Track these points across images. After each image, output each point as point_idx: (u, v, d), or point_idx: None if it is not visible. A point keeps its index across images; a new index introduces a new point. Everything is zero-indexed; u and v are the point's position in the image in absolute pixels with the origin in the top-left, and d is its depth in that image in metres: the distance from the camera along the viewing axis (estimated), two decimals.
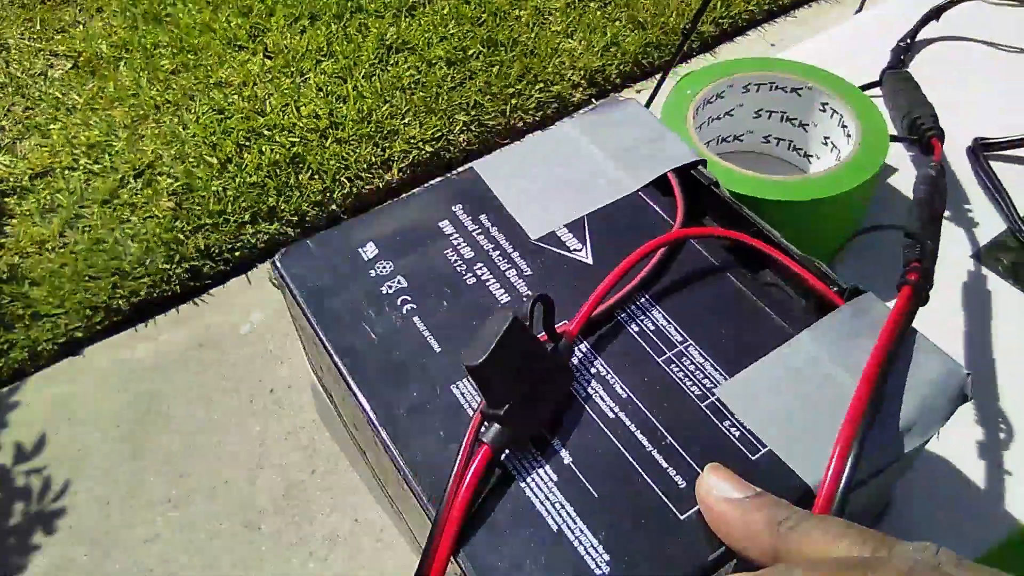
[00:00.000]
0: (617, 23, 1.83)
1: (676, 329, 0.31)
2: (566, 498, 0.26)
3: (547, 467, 0.27)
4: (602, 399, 0.29)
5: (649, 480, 0.27)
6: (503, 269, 0.33)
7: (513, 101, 1.68)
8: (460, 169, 0.37)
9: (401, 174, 1.60)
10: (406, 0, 1.92)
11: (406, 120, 1.66)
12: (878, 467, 0.27)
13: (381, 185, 1.58)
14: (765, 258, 0.32)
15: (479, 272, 0.33)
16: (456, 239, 0.34)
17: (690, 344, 0.30)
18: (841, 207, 0.40)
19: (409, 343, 0.31)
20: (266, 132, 1.62)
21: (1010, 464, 0.36)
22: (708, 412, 0.28)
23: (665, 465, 0.27)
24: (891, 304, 0.31)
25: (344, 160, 1.59)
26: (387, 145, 1.62)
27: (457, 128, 1.65)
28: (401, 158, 1.61)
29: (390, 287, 0.32)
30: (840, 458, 0.26)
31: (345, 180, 1.56)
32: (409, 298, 0.32)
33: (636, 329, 0.31)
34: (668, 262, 0.33)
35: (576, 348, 0.30)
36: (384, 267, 0.33)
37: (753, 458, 0.27)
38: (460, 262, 0.33)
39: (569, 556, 0.25)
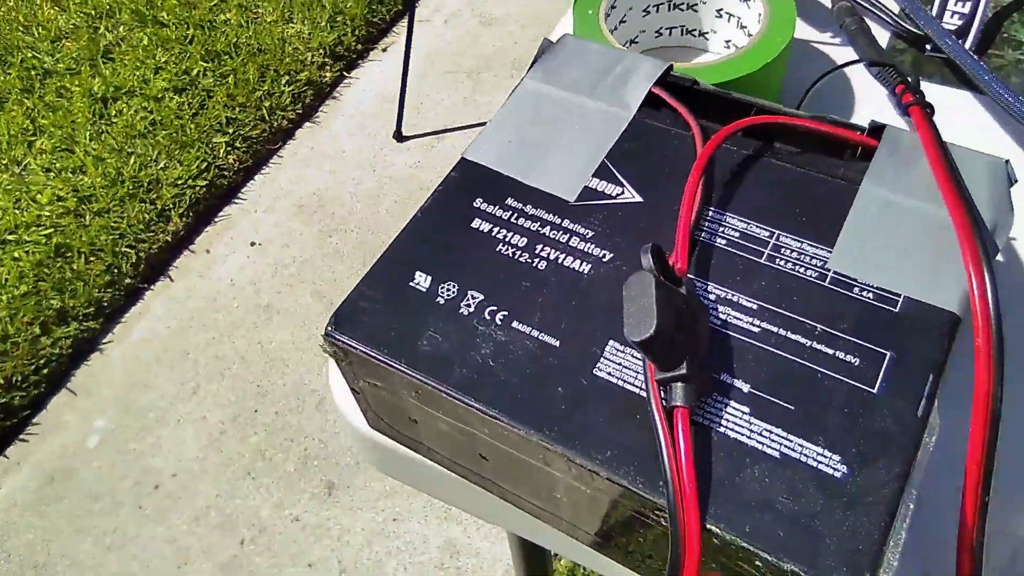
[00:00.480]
0: None
1: (758, 227, 0.31)
2: (768, 423, 0.26)
3: (732, 403, 0.27)
4: (739, 319, 0.28)
5: (826, 371, 0.27)
6: (564, 240, 0.31)
7: (267, 103, 1.58)
8: (453, 167, 0.34)
9: (184, 219, 1.47)
10: (96, 47, 1.72)
11: (162, 164, 1.51)
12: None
13: (169, 239, 1.44)
14: (786, 130, 0.33)
15: (544, 253, 0.31)
16: (499, 232, 0.32)
17: (779, 234, 0.30)
18: (780, 64, 0.41)
19: (525, 350, 0.28)
20: (10, 237, 1.42)
21: None
22: (834, 287, 0.29)
23: (830, 351, 0.27)
24: (909, 128, 0.33)
25: (115, 230, 1.43)
26: (155, 197, 1.47)
27: (221, 152, 1.53)
28: (176, 204, 1.47)
29: (469, 305, 0.30)
30: (979, 275, 0.27)
31: (127, 249, 1.41)
32: (495, 307, 0.29)
33: (724, 242, 0.30)
34: (710, 169, 0.33)
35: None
36: (449, 289, 0.30)
37: (896, 310, 0.28)
38: (519, 252, 0.31)
39: (804, 474, 0.25)
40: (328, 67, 1.66)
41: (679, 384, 0.26)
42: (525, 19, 1.87)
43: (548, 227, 0.31)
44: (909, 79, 0.35)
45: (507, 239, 0.31)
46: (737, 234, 0.31)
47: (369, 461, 0.39)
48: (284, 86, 1.61)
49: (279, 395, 1.25)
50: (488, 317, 0.29)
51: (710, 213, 0.31)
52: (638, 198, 0.32)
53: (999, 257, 0.39)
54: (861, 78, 0.46)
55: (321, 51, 1.67)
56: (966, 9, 0.48)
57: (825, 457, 0.25)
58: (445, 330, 0.29)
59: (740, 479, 0.25)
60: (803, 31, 0.49)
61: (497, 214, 0.32)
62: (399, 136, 1.61)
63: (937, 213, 0.30)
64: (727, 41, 0.46)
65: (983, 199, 0.30)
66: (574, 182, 0.33)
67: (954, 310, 0.28)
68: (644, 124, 0.34)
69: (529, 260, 0.31)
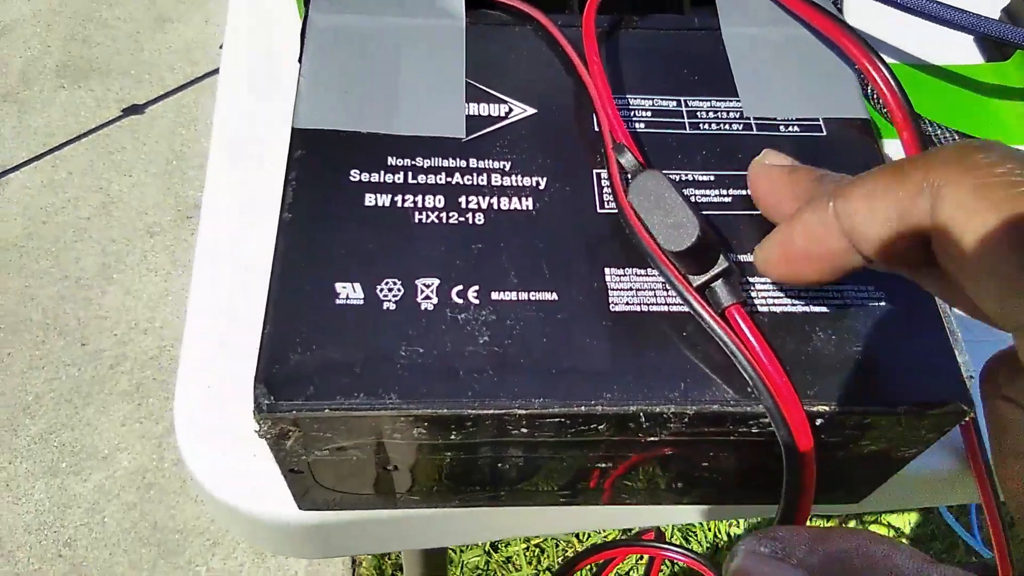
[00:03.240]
0: None
1: (662, 99, 0.28)
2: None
3: (757, 279, 0.24)
4: (707, 196, 0.26)
5: None
6: (485, 182, 0.25)
7: None
8: (290, 145, 0.25)
9: None
10: None
11: None
12: None
13: None
14: None
15: (473, 204, 0.25)
16: (405, 199, 0.24)
17: (684, 100, 0.28)
18: None
19: (525, 318, 0.23)
20: None
21: None
22: (763, 132, 0.28)
23: None
24: None
25: None
26: None
27: None
28: None
29: (429, 298, 0.23)
30: (875, 69, 0.28)
31: None
32: (461, 286, 0.23)
33: (643, 125, 0.27)
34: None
35: None
36: (392, 288, 0.23)
37: (824, 133, 0.28)
38: (443, 213, 0.24)
39: (857, 316, 0.24)
40: None
41: (720, 282, 0.23)
42: (47, 18, 1.58)
43: (457, 174, 0.25)
44: None
45: (420, 204, 0.25)
46: (649, 113, 0.28)
47: (297, 551, 0.29)
48: None
49: None
50: (460, 300, 0.23)
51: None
52: (531, 110, 0.27)
53: None
54: None
55: None
56: None
57: (864, 293, 0.24)
58: (419, 337, 0.22)
59: (812, 349, 0.23)
60: None
61: (388, 180, 0.25)
62: None
63: (796, 32, 0.30)
64: None
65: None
66: (454, 115, 0.27)
67: (864, 115, 0.28)
68: (477, 29, 0.29)
69: (461, 218, 0.24)
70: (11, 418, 1.12)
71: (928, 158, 0.17)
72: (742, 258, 0.25)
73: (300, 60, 0.27)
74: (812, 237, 0.20)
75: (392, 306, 0.22)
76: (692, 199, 0.25)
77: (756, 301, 0.24)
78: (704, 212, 0.25)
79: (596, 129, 0.27)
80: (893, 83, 0.28)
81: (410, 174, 0.25)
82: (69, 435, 1.11)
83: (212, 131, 0.33)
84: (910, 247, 0.18)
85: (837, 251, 0.20)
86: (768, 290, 0.24)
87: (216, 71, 0.39)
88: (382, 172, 0.25)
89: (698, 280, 0.23)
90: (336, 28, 0.28)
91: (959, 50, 0.43)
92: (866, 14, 0.42)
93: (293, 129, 0.26)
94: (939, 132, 0.38)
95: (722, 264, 0.22)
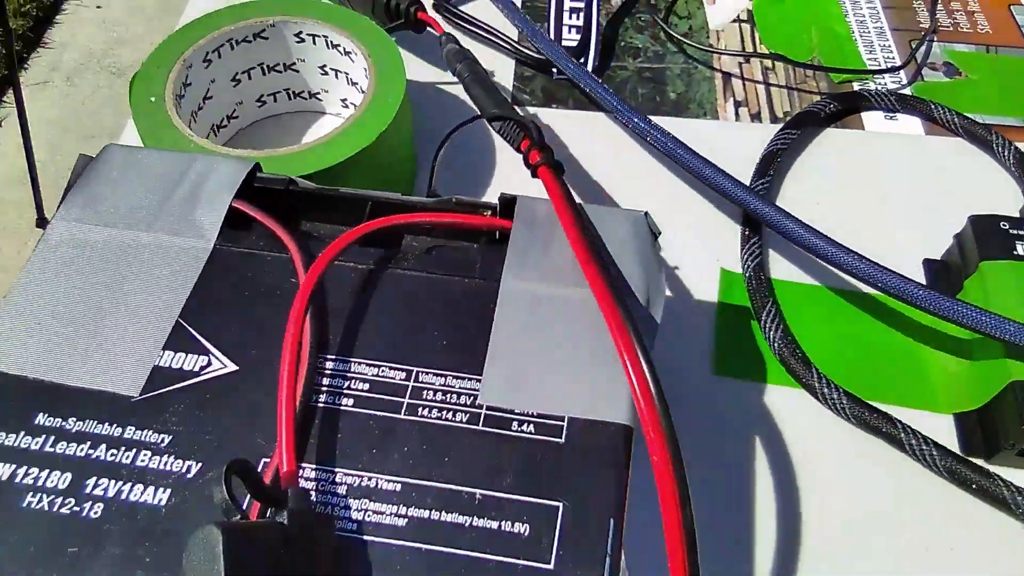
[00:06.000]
0: None
1: (392, 368, 0.24)
2: None
3: None
4: (379, 515, 0.21)
5: (493, 556, 0.21)
6: (129, 461, 0.22)
7: None
8: None
9: None
10: None
11: None
12: (652, 346, 0.25)
13: None
14: (404, 229, 0.27)
15: (98, 491, 0.21)
16: (28, 475, 0.22)
17: (417, 372, 0.24)
18: (402, 126, 0.35)
19: None
20: None
21: None
22: (489, 428, 0.23)
23: (494, 524, 0.21)
24: (541, 194, 0.28)
25: None
26: None
27: None
28: None
29: None
30: (639, 377, 0.23)
31: None
32: None
33: (351, 402, 0.23)
34: (321, 304, 0.25)
35: (305, 483, 0.22)
36: None
37: (563, 440, 0.23)
38: (59, 499, 0.21)
39: None
40: None
41: None
42: None
43: (102, 447, 0.22)
44: (532, 135, 0.30)
45: (40, 483, 0.21)
46: (367, 386, 0.24)
47: None
48: None
49: None
50: None
51: (328, 366, 0.24)
52: (231, 366, 0.24)
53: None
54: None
55: None
56: (580, 22, 0.45)
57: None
58: None
59: None
60: (432, 72, 0.44)
61: (22, 445, 0.22)
62: (43, 223, 1.37)
63: (589, 297, 0.25)
64: (343, 100, 0.39)
65: (634, 263, 0.26)
66: (136, 366, 0.24)
67: (625, 421, 0.23)
68: (230, 253, 0.26)
69: (76, 507, 0.21)
70: None
71: None
72: None
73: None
74: None
75: None
76: (356, 519, 0.21)
77: None
78: (363, 540, 0.21)
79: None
80: (655, 395, 0.22)
81: (50, 441, 0.22)
82: None
83: None
84: None
85: None
86: None
87: None
88: (21, 434, 0.22)
89: None
90: (72, 240, 0.26)
91: None
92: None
93: None
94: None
95: None
